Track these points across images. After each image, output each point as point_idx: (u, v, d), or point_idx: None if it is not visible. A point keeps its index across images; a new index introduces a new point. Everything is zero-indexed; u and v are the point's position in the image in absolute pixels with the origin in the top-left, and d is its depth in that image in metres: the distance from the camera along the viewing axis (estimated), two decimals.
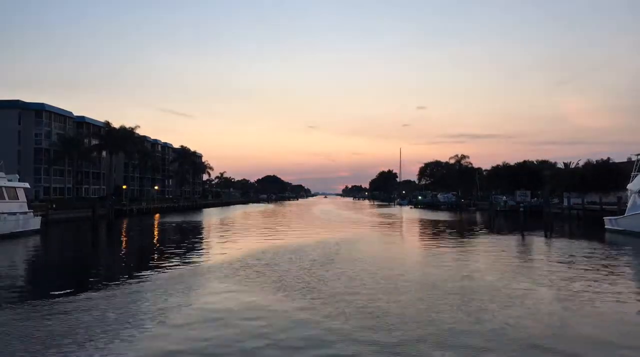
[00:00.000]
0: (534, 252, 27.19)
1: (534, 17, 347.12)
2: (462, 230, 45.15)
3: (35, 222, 41.07)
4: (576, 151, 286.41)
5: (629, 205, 39.95)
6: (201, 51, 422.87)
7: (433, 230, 46.09)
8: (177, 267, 21.85)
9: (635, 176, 40.16)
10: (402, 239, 37.81)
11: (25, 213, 39.72)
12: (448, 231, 44.04)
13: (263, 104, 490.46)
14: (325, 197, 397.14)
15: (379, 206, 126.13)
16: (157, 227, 52.16)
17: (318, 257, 24.21)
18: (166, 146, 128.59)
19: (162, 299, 14.90)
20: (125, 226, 53.27)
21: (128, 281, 18.42)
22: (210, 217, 71.37)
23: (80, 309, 13.59)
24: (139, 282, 18.03)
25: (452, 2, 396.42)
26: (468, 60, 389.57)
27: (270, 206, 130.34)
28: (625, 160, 65.41)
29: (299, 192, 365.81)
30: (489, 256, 25.56)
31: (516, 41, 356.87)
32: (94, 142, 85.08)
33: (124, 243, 36.15)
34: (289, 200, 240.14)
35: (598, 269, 20.87)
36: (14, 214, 37.69)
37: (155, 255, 27.46)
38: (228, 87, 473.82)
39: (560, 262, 22.95)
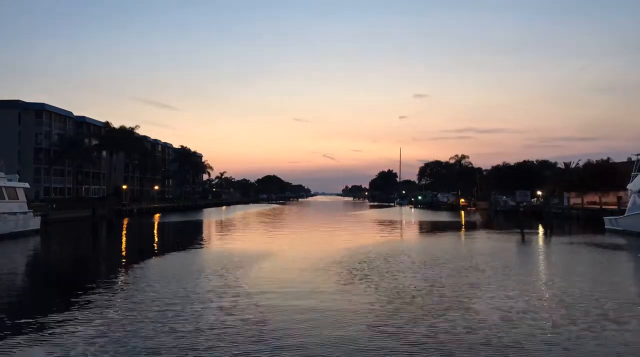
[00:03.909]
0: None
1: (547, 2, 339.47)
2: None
3: (35, 222, 41.04)
4: (588, 148, 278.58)
5: (629, 205, 39.95)
6: (202, 52, 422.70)
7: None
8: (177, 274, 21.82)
9: (635, 176, 40.16)
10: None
11: (25, 213, 39.69)
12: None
13: (262, 103, 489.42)
14: (331, 195, 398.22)
15: (379, 207, 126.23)
16: (157, 227, 52.18)
17: None
18: (166, 146, 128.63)
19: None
20: (125, 226, 53.27)
21: (125, 284, 18.42)
22: (210, 218, 71.40)
23: (78, 312, 13.61)
24: (135, 285, 18.04)
25: None
26: (471, 49, 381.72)
27: (272, 206, 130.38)
28: (625, 160, 65.42)
29: (299, 192, 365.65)
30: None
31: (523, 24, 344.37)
32: (94, 142, 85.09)
33: (123, 244, 36.18)
34: (290, 200, 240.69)
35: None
36: (14, 214, 37.67)
37: (154, 256, 27.48)
38: (228, 88, 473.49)
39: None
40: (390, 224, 56.27)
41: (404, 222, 60.80)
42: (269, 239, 36.23)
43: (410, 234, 42.74)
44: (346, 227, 49.18)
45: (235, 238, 37.47)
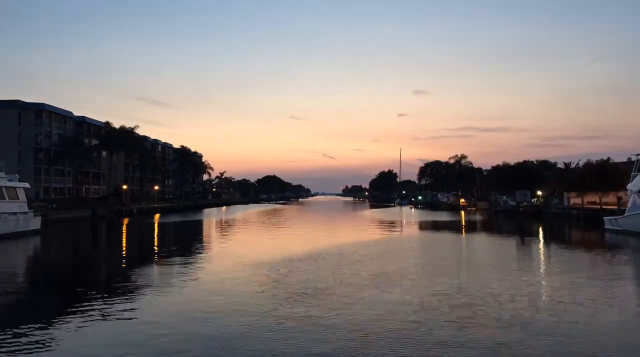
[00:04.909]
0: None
1: None
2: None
3: (35, 222, 41.04)
4: (591, 147, 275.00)
5: (629, 205, 39.97)
6: (202, 52, 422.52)
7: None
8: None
9: (635, 176, 40.16)
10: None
11: (26, 213, 39.69)
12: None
13: (262, 103, 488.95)
14: (331, 196, 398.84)
15: (378, 207, 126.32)
16: (156, 228, 52.16)
17: None
18: (166, 146, 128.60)
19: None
20: (125, 226, 53.27)
21: (124, 287, 18.43)
22: (210, 218, 71.40)
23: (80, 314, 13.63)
24: (135, 288, 18.05)
25: None
26: (471, 48, 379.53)
27: (273, 206, 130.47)
28: (625, 160, 65.39)
29: (299, 192, 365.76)
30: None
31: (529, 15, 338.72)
32: (94, 142, 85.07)
33: (123, 245, 36.22)
34: (290, 200, 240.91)
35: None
36: (14, 214, 37.67)
37: (154, 258, 27.49)
38: (228, 88, 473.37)
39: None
40: (390, 224, 56.31)
41: (403, 222, 60.77)
42: (272, 245, 36.21)
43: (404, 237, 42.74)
44: (350, 229, 49.23)
45: (238, 242, 37.53)
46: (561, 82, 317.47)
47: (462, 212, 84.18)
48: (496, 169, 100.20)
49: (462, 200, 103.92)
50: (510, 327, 11.53)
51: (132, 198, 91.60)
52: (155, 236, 42.35)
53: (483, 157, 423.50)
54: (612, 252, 27.37)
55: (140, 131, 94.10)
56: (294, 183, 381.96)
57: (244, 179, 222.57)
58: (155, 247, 32.50)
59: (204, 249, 29.88)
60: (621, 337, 10.88)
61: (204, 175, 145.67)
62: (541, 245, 32.26)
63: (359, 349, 9.98)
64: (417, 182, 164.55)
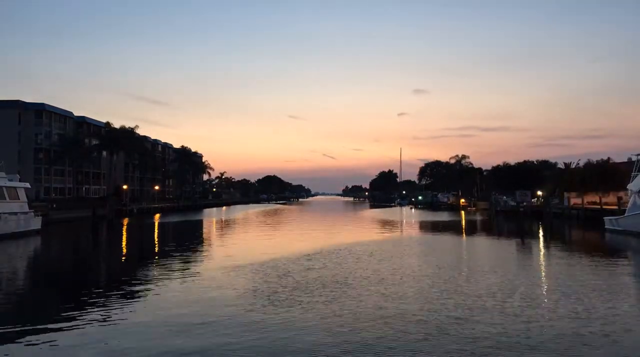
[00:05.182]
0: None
1: None
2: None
3: (35, 223, 41.06)
4: (593, 146, 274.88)
5: (629, 205, 39.98)
6: (202, 52, 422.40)
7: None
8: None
9: (635, 176, 40.16)
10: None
11: (26, 213, 39.71)
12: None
13: (263, 103, 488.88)
14: (332, 196, 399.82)
15: (379, 207, 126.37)
16: (156, 228, 52.16)
17: None
18: (166, 146, 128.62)
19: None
20: (125, 226, 53.26)
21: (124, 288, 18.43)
22: (210, 218, 71.35)
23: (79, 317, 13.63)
24: (135, 289, 18.05)
25: None
26: (472, 47, 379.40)
27: (274, 206, 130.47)
28: (625, 160, 65.42)
29: (299, 192, 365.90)
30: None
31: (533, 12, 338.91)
32: (94, 142, 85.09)
33: (123, 245, 36.24)
34: (290, 200, 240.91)
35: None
36: (15, 214, 37.70)
37: (154, 258, 27.50)
38: (228, 88, 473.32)
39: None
40: (390, 224, 56.33)
41: (403, 222, 60.74)
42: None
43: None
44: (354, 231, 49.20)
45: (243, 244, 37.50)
46: (561, 82, 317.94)
47: (462, 212, 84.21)
48: (496, 169, 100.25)
49: (463, 200, 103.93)
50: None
51: (132, 198, 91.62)
52: (155, 236, 42.39)
53: (483, 157, 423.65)
54: (615, 258, 27.03)
55: (140, 131, 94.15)
56: (294, 183, 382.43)
57: (244, 179, 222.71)
58: (156, 248, 32.54)
59: (203, 250, 29.89)
60: None
61: (204, 175, 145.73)
62: (541, 247, 32.24)
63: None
64: (417, 182, 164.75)
